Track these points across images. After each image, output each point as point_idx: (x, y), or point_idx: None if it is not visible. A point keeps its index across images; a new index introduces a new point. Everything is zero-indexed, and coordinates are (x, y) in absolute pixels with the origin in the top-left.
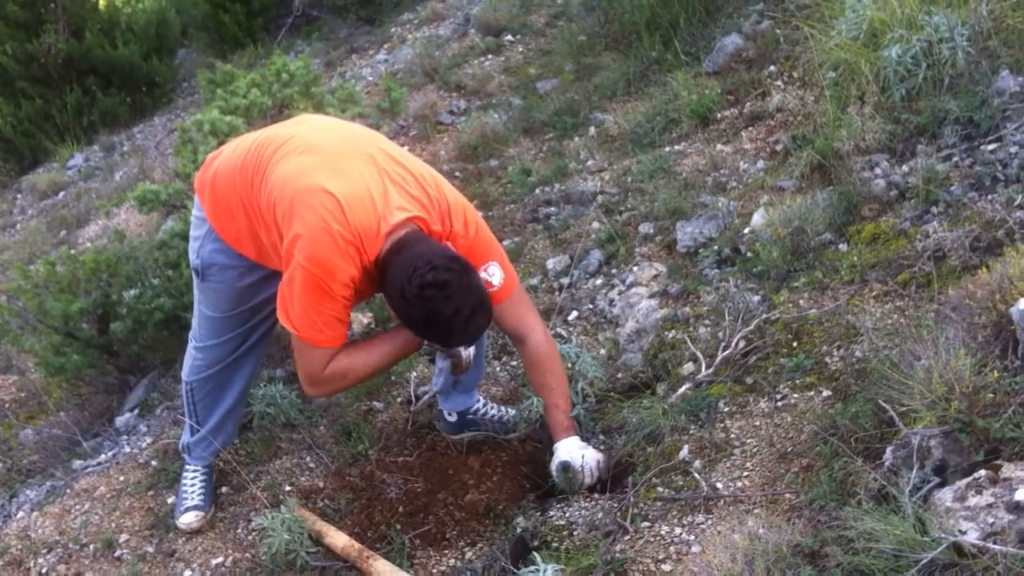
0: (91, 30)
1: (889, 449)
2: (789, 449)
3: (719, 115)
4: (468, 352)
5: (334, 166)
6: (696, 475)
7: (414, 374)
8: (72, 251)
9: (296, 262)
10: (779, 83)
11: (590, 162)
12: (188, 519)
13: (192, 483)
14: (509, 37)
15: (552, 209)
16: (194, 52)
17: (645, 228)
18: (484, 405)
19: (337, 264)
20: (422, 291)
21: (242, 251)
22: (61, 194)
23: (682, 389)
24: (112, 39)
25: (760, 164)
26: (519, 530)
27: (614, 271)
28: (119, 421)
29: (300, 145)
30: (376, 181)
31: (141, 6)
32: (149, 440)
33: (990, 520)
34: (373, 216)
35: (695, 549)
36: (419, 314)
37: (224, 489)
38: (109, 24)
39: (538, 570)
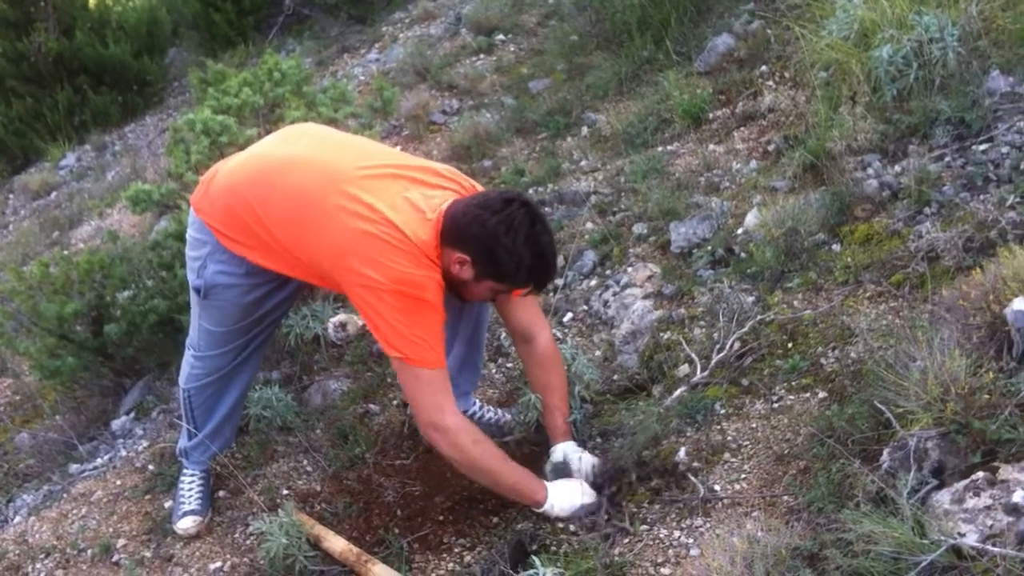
0: (81, 29)
1: (886, 451)
2: (786, 451)
3: (711, 115)
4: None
5: (363, 187)
6: (693, 478)
7: None
8: (65, 252)
9: (381, 289)
10: (771, 83)
11: (583, 162)
12: (186, 524)
13: (190, 487)
14: (501, 36)
15: (546, 209)
16: (185, 51)
17: (639, 229)
18: (480, 408)
19: (421, 274)
20: (506, 200)
21: (277, 269)
22: (53, 194)
23: (678, 391)
24: (103, 38)
25: (753, 164)
26: (517, 533)
27: (608, 272)
28: (115, 424)
29: (315, 170)
30: (410, 188)
31: (131, 5)
32: (145, 444)
33: (989, 522)
34: (422, 218)
35: (694, 552)
36: (502, 227)
37: (221, 493)
38: (99, 23)
39: (537, 573)
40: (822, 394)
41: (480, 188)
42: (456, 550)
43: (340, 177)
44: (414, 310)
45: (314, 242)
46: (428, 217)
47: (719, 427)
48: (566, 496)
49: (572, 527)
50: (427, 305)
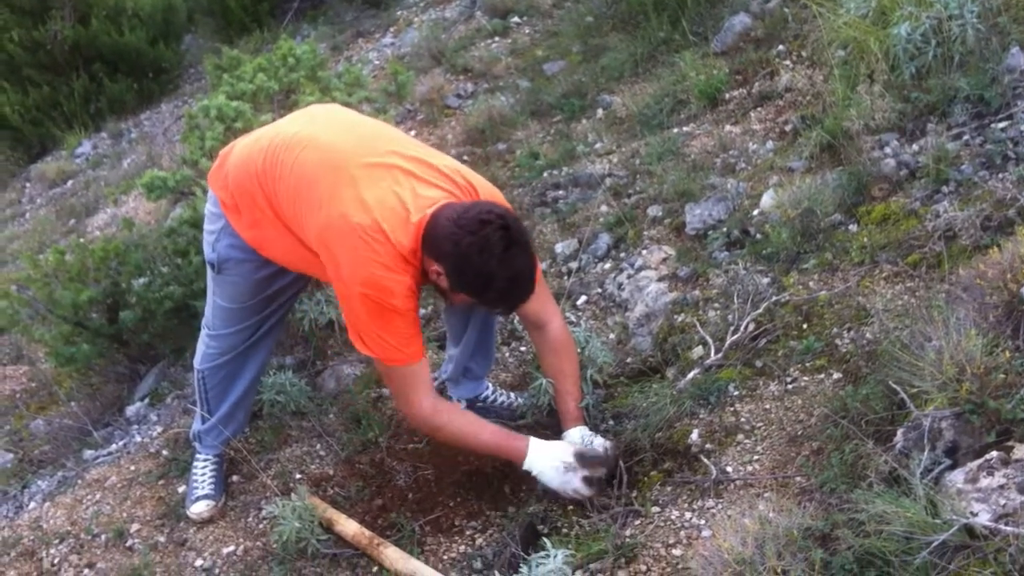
0: (97, 16)
1: (900, 431)
2: (799, 432)
3: (727, 96)
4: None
5: (359, 176)
6: (706, 459)
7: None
8: (81, 240)
9: (351, 289)
10: (788, 63)
11: (598, 145)
12: (199, 508)
13: (203, 472)
14: (516, 19)
15: (560, 192)
16: (200, 38)
17: (654, 211)
18: (493, 392)
19: (391, 279)
20: (483, 221)
21: (265, 254)
22: (70, 182)
23: (692, 373)
24: (118, 25)
25: (769, 145)
26: (529, 516)
27: (623, 255)
28: (130, 411)
29: (320, 151)
30: (402, 183)
31: None
32: (160, 429)
33: (1002, 502)
34: (405, 219)
35: (706, 533)
36: (474, 248)
37: (235, 478)
38: (115, 10)
39: (548, 555)
40: (836, 375)
41: (479, 185)
42: (468, 533)
43: (341, 162)
44: (380, 315)
45: (308, 221)
46: (412, 219)
47: (732, 409)
48: (547, 458)
49: (585, 511)
50: (392, 310)
